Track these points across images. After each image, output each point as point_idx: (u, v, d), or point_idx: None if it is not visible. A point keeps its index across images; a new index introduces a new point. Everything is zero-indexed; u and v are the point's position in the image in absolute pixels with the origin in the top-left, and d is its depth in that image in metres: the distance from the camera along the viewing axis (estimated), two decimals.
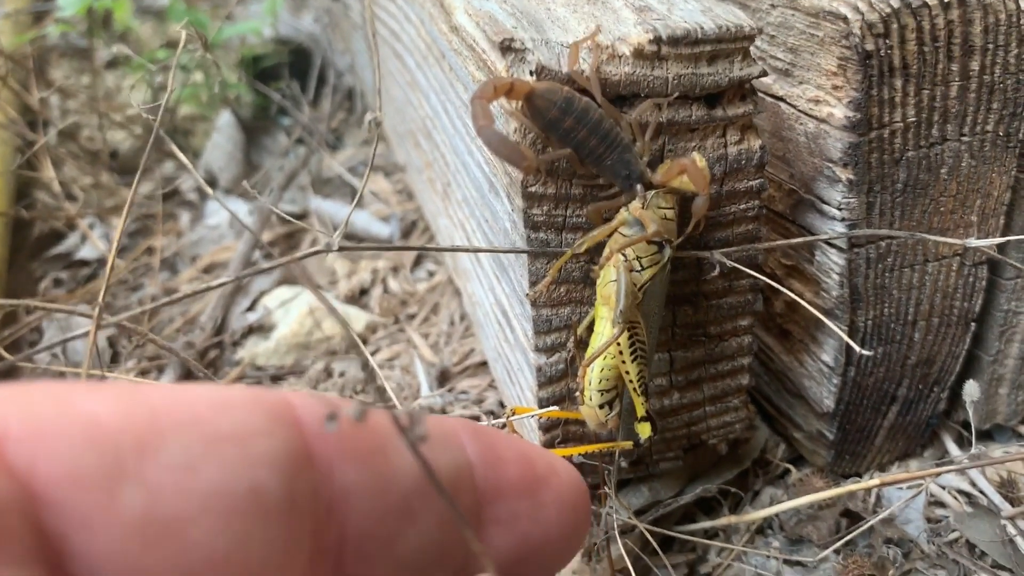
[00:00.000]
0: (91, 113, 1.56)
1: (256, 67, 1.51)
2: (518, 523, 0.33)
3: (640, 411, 0.56)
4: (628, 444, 0.59)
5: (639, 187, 0.54)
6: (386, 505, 0.29)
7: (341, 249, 0.52)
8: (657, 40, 0.53)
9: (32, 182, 1.35)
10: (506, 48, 0.54)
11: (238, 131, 1.33)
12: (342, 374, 0.92)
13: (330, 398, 0.30)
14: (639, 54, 0.53)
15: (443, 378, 0.90)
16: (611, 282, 0.54)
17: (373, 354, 0.94)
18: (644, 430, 0.57)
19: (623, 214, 0.55)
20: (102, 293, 0.51)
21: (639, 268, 0.54)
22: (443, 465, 0.31)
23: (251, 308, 1.00)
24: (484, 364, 0.91)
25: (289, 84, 1.52)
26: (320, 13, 1.74)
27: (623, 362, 0.54)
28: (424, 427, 0.28)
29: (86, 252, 1.22)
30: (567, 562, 0.37)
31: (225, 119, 1.34)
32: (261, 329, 0.98)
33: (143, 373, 0.93)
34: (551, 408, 0.61)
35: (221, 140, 1.31)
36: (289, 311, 0.97)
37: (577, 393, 0.56)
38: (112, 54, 1.67)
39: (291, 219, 0.56)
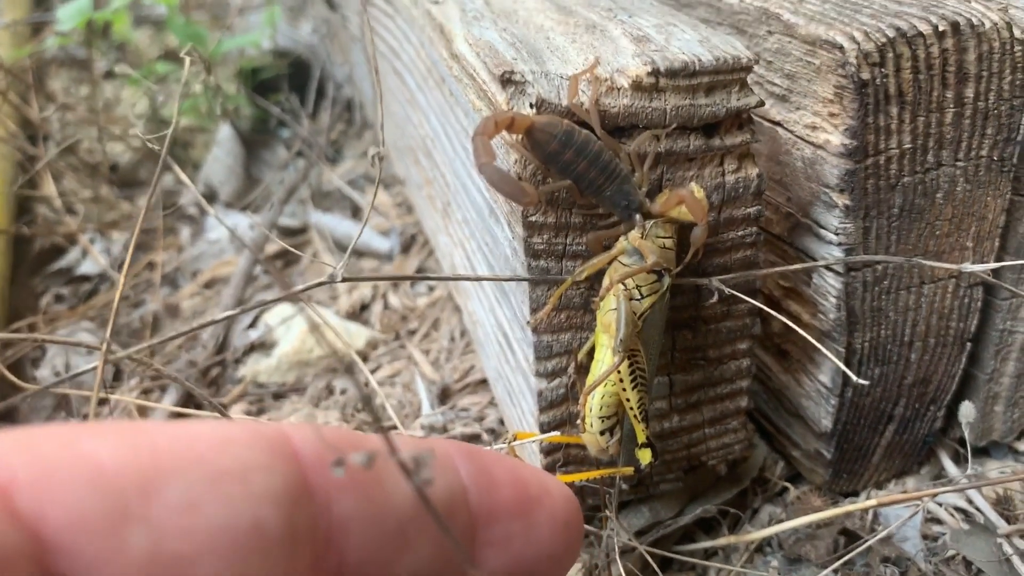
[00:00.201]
0: (90, 126, 1.56)
1: (254, 79, 1.52)
2: (512, 544, 0.34)
3: (641, 437, 0.57)
4: (629, 470, 0.59)
5: (638, 217, 0.54)
6: (383, 532, 0.30)
7: (345, 280, 0.52)
8: (655, 72, 0.53)
9: (32, 196, 1.35)
10: (506, 81, 0.55)
11: (238, 145, 1.34)
12: (343, 391, 0.93)
13: (332, 431, 0.31)
14: (637, 86, 0.53)
15: (444, 395, 0.91)
16: (611, 311, 0.54)
17: (374, 371, 0.94)
18: (645, 456, 0.57)
19: (622, 243, 0.55)
20: (109, 328, 0.51)
21: (639, 297, 0.55)
22: (438, 490, 0.31)
23: (252, 325, 1.00)
24: (485, 381, 0.91)
25: (288, 97, 1.52)
26: (318, 23, 1.75)
27: (624, 389, 0.55)
28: (430, 471, 0.29)
29: (87, 267, 1.22)
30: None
31: (225, 133, 1.35)
32: (263, 346, 0.98)
33: (145, 392, 0.93)
34: (553, 433, 0.62)
35: (221, 154, 1.32)
36: (290, 328, 0.98)
37: (579, 420, 0.57)
38: (110, 64, 1.67)
39: (292, 249, 0.56)
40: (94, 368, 0.53)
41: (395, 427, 0.80)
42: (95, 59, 1.72)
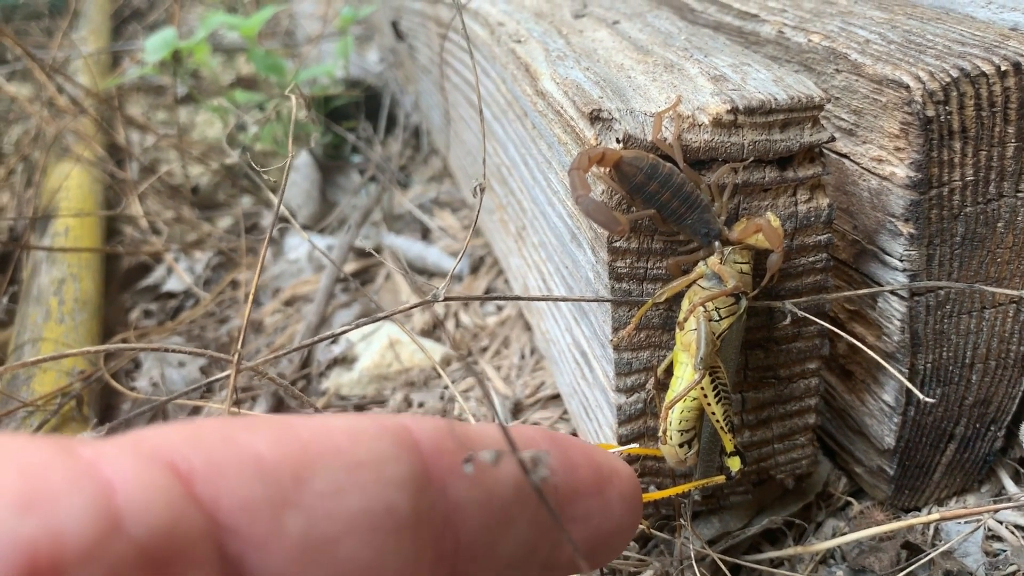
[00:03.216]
0: (170, 149, 1.65)
1: (327, 107, 1.59)
2: (591, 519, 0.38)
3: (729, 447, 0.61)
4: (721, 478, 0.63)
5: (717, 243, 0.59)
6: (490, 513, 0.34)
7: (447, 299, 0.57)
8: (734, 110, 0.58)
9: (119, 216, 1.43)
10: (595, 118, 0.60)
11: (315, 170, 1.41)
12: (421, 404, 0.98)
13: (442, 423, 0.35)
14: (717, 123, 0.58)
15: (516, 410, 0.95)
16: (691, 331, 0.59)
17: (452, 383, 0.99)
18: (735, 464, 0.61)
19: (701, 267, 0.60)
20: (239, 341, 0.57)
21: (717, 318, 0.59)
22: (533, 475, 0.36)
23: (335, 341, 1.06)
24: (555, 397, 0.96)
25: (363, 125, 1.59)
26: (385, 52, 1.82)
27: (708, 404, 0.59)
28: (545, 470, 0.33)
29: (172, 284, 1.29)
30: (626, 546, 0.42)
31: (303, 159, 1.42)
32: (344, 361, 1.04)
33: (237, 403, 0.99)
34: (632, 445, 0.66)
35: (299, 179, 1.38)
36: (371, 344, 1.03)
37: (660, 433, 0.61)
38: (186, 90, 1.76)
39: (385, 262, 0.61)
40: (226, 376, 0.58)
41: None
42: (172, 85, 1.81)
